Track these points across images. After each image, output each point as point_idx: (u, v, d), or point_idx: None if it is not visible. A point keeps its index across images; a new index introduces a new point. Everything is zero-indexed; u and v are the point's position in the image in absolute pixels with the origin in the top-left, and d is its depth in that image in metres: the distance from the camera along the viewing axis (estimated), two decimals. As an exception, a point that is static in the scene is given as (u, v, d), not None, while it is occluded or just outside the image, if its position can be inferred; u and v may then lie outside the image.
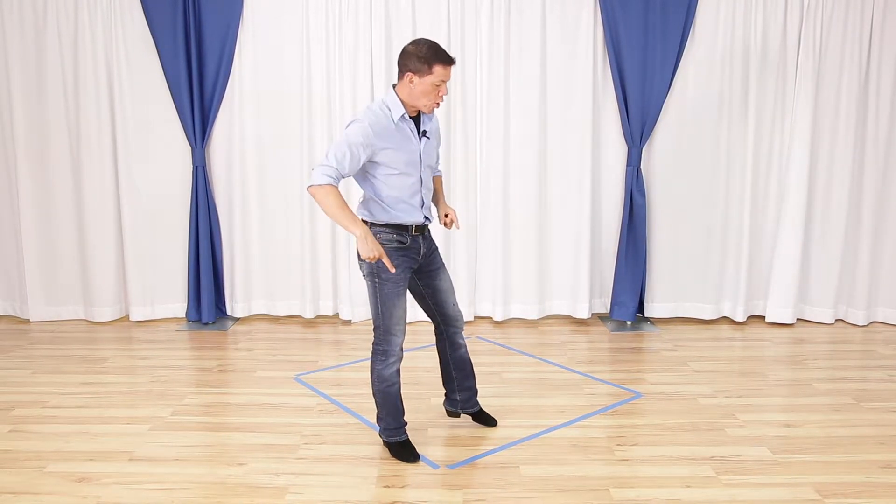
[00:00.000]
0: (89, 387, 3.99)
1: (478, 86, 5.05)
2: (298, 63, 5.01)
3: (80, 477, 2.96)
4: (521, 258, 5.20)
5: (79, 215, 5.16)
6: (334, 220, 2.78)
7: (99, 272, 5.19)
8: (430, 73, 2.80)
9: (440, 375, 3.41)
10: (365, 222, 2.92)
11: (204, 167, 5.06)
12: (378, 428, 3.18)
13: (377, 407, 3.11)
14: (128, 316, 5.30)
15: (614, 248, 5.25)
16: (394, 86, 2.92)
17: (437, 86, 2.83)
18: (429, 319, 3.37)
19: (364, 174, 2.92)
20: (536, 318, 5.26)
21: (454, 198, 5.11)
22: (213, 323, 5.22)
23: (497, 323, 5.27)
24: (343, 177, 2.79)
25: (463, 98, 5.02)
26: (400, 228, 2.95)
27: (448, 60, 2.82)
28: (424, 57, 2.78)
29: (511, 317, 5.29)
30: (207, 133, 5.05)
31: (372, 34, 4.93)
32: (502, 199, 5.11)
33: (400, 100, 2.89)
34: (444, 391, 3.43)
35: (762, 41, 4.92)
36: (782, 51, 4.95)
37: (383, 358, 3.02)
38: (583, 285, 5.20)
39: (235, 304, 5.33)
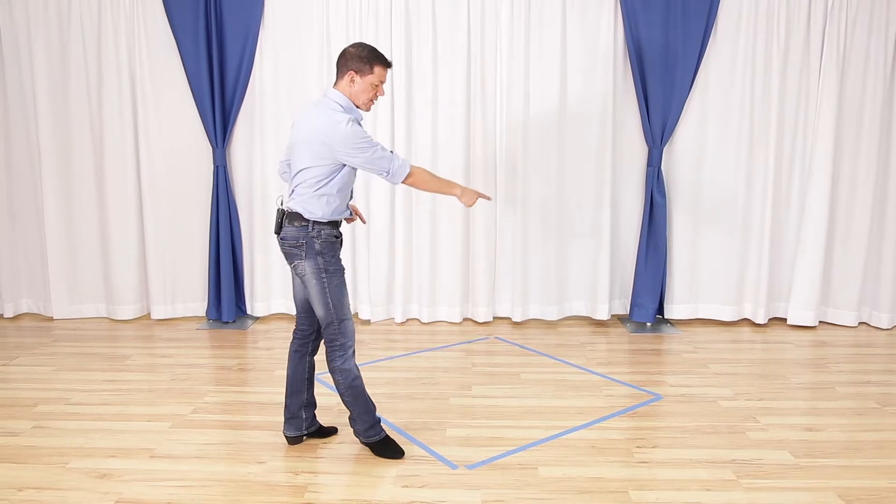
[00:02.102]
0: (111, 384, 4.03)
1: (497, 85, 5.04)
2: (318, 63, 5.03)
3: (102, 473, 2.99)
4: (540, 258, 5.18)
5: (101, 215, 5.22)
6: (435, 191, 3.08)
7: (121, 271, 5.25)
8: (371, 72, 2.96)
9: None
10: (305, 222, 2.96)
11: (225, 167, 5.10)
12: (354, 430, 3.17)
13: (349, 408, 3.11)
14: (149, 314, 5.36)
15: (634, 249, 5.22)
16: (334, 86, 3.03)
17: (376, 85, 2.99)
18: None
19: (331, 171, 2.92)
20: (555, 318, 5.25)
21: (473, 198, 5.10)
22: (233, 322, 5.25)
23: (516, 324, 5.25)
24: None
25: (482, 97, 5.01)
26: (336, 224, 3.03)
27: (386, 63, 3.00)
28: (366, 58, 2.95)
29: (530, 317, 5.28)
30: (228, 133, 5.09)
31: (392, 35, 4.94)
32: (522, 199, 5.09)
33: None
34: (288, 413, 3.24)
35: (785, 39, 4.87)
36: (805, 49, 4.90)
37: (342, 352, 3.03)
38: (602, 286, 5.17)
39: (255, 303, 5.36)
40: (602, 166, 5.05)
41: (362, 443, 3.18)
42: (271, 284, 5.34)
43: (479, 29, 4.95)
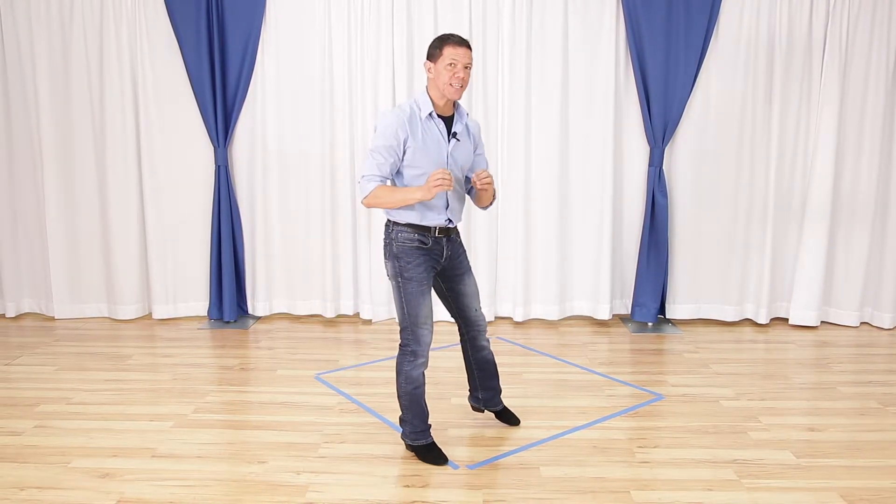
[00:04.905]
0: (113, 384, 4.04)
1: (499, 86, 5.04)
2: (320, 63, 5.03)
3: (104, 473, 2.99)
4: (542, 258, 5.18)
5: (103, 214, 5.23)
6: (401, 205, 2.90)
7: (122, 270, 5.25)
8: (442, 54, 2.89)
9: (464, 373, 3.42)
10: (389, 222, 3.01)
11: (226, 166, 5.10)
12: (401, 430, 3.17)
13: (402, 409, 3.10)
14: (150, 314, 5.36)
15: (636, 248, 5.22)
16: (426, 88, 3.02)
17: (450, 64, 2.88)
18: (451, 320, 3.38)
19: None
20: (557, 318, 5.24)
21: (475, 198, 5.09)
22: (235, 321, 5.25)
23: (517, 323, 5.25)
24: (385, 178, 2.92)
25: (484, 98, 5.01)
26: (422, 229, 2.97)
27: (456, 41, 2.90)
28: (435, 45, 2.93)
29: (531, 317, 5.28)
30: (230, 132, 5.09)
31: (394, 34, 4.94)
32: (524, 200, 5.09)
33: (430, 98, 2.95)
34: (469, 388, 3.46)
35: (787, 38, 4.87)
36: (807, 47, 4.90)
37: (412, 358, 3.02)
38: (604, 286, 5.17)
39: (257, 303, 5.36)
40: (603, 166, 5.05)
41: (407, 446, 3.15)
42: (273, 284, 5.33)
43: (480, 30, 4.95)
